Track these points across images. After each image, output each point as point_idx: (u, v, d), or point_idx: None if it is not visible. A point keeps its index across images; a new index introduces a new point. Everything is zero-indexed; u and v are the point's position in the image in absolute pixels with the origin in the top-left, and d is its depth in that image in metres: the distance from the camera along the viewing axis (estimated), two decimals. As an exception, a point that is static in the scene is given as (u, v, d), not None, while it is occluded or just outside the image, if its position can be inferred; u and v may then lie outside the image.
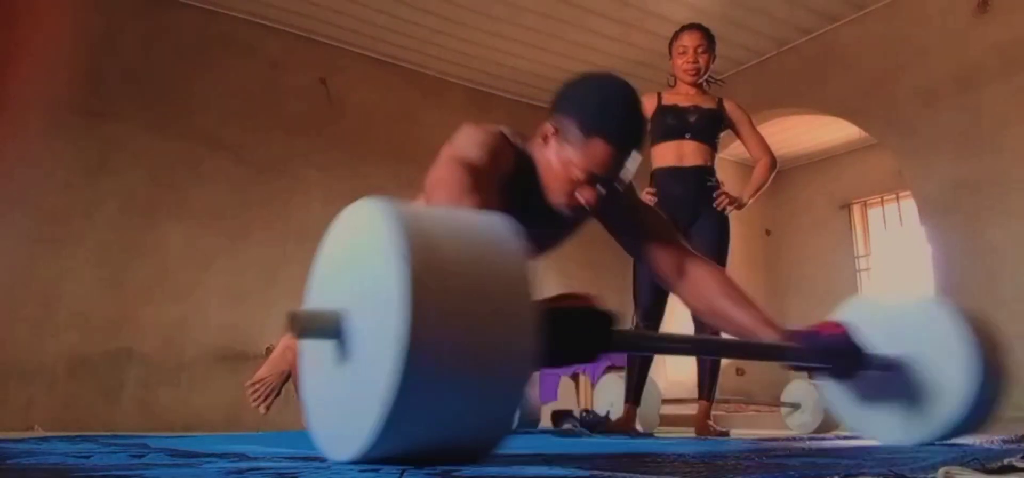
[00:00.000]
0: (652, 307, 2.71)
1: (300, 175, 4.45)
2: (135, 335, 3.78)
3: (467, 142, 1.36)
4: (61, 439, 1.87)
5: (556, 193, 1.44)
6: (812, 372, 1.36)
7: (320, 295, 0.93)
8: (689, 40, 2.82)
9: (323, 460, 0.91)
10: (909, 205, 5.45)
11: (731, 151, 5.37)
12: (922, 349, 1.33)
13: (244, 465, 0.90)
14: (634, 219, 1.61)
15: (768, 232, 6.88)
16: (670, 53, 2.90)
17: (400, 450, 0.77)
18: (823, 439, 2.24)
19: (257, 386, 2.17)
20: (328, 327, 0.84)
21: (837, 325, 1.36)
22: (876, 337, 1.33)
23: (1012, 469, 0.77)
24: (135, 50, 4.08)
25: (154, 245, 3.93)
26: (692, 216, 2.74)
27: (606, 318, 1.04)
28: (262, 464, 0.91)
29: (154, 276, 3.90)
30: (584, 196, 1.40)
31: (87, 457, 1.09)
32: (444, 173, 1.22)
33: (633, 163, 1.40)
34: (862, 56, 4.34)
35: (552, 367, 0.87)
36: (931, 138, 3.94)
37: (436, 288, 0.73)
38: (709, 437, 2.55)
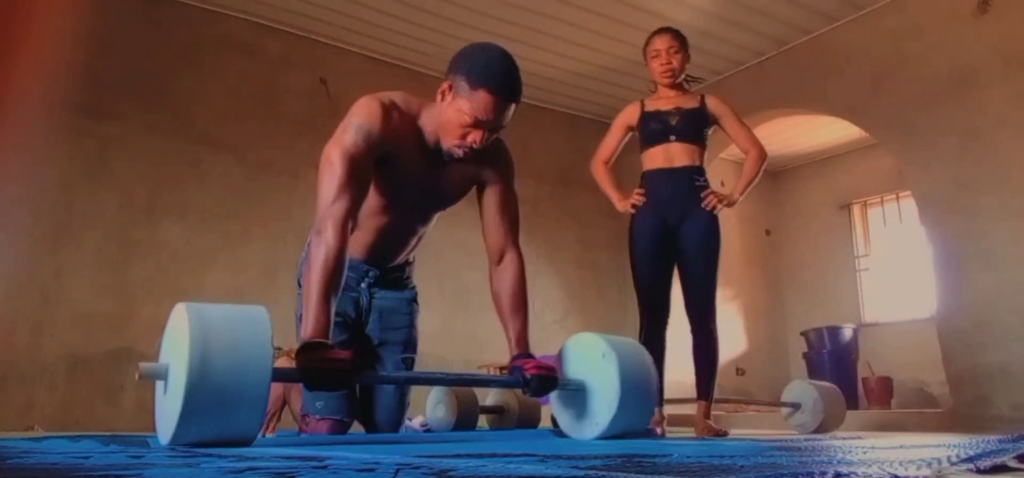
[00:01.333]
0: (651, 301, 2.72)
1: (300, 175, 4.45)
2: (135, 335, 3.79)
3: (352, 124, 1.77)
4: (61, 439, 1.88)
5: (450, 137, 1.79)
6: (524, 390, 1.77)
7: (165, 353, 1.51)
8: (660, 43, 2.84)
9: (321, 460, 0.91)
10: (909, 205, 5.45)
11: (730, 151, 5.38)
12: (595, 374, 1.83)
13: (242, 465, 0.90)
14: (493, 194, 1.95)
15: (768, 232, 6.88)
16: (645, 59, 2.93)
17: (193, 439, 1.33)
18: (821, 439, 2.25)
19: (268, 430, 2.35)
20: (161, 374, 1.45)
21: (545, 364, 1.80)
22: (577, 364, 1.89)
23: (1005, 469, 0.78)
24: (135, 50, 4.08)
25: (154, 245, 3.94)
26: (681, 216, 2.74)
27: (339, 369, 1.51)
28: (260, 464, 0.91)
29: (154, 276, 3.90)
30: (472, 138, 1.76)
31: (87, 457, 1.09)
32: (330, 158, 1.75)
33: (510, 113, 1.77)
34: (862, 56, 4.34)
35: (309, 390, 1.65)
36: (931, 138, 3.94)
37: (207, 351, 1.33)
38: (708, 437, 2.56)
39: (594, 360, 1.85)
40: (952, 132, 3.84)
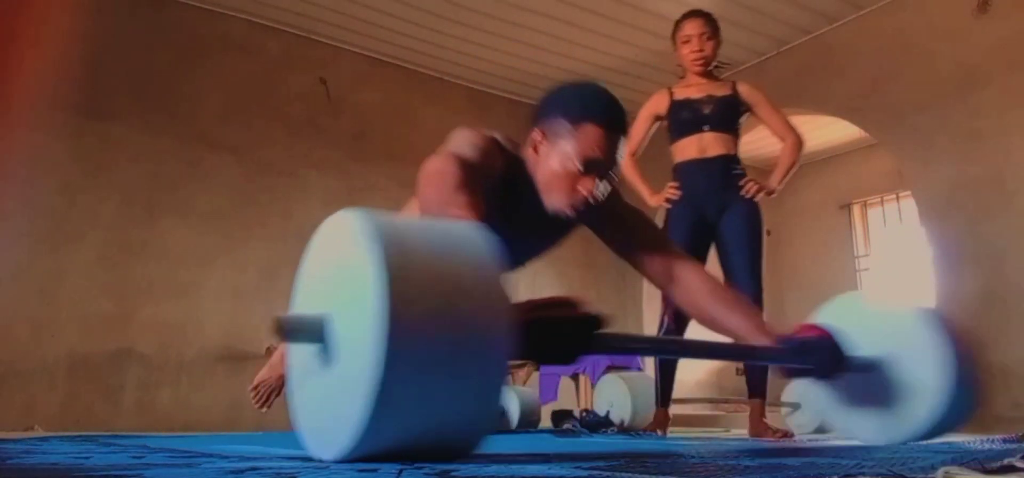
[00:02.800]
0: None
1: (300, 175, 4.45)
2: (135, 335, 3.78)
3: (461, 141, 1.40)
4: (61, 439, 1.87)
5: (556, 193, 1.45)
6: (795, 373, 1.40)
7: (305, 301, 0.98)
8: (692, 28, 2.71)
9: (322, 460, 0.91)
10: (909, 205, 5.44)
11: (744, 152, 5.38)
12: (900, 351, 1.35)
13: (243, 465, 0.89)
14: (623, 224, 1.64)
15: (768, 232, 6.87)
16: (674, 44, 2.79)
17: (383, 448, 0.80)
18: (823, 439, 2.25)
19: (258, 388, 2.23)
20: (312, 332, 0.89)
21: (820, 328, 1.40)
22: (857, 338, 1.38)
23: (1012, 469, 0.77)
24: (135, 50, 4.08)
25: (154, 245, 3.93)
26: (720, 209, 2.62)
27: (587, 323, 1.06)
28: (261, 464, 0.91)
29: (154, 276, 3.90)
30: (585, 188, 1.42)
31: (87, 457, 1.09)
32: (438, 165, 1.26)
33: (622, 148, 1.46)
34: (862, 56, 4.33)
35: (542, 365, 0.90)
36: (931, 138, 3.93)
37: (413, 294, 0.78)
38: (771, 439, 2.39)
39: (893, 331, 1.38)
40: (952, 132, 3.83)
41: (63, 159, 3.73)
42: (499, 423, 3.55)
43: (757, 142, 4.97)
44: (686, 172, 2.69)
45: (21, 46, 0.39)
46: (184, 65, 4.21)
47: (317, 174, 4.49)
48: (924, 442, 1.39)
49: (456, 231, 0.89)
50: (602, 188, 1.45)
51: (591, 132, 1.40)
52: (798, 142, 2.71)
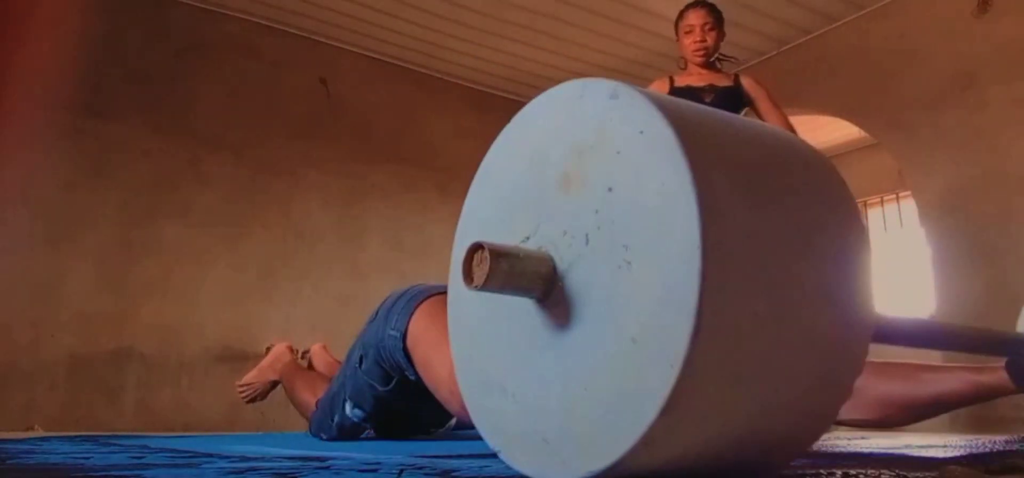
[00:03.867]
0: None
1: (300, 175, 4.45)
2: (135, 335, 3.78)
3: None
4: (61, 439, 1.87)
5: None
6: None
7: (491, 231, 0.61)
8: (694, 18, 2.68)
9: (323, 460, 0.90)
10: (909, 205, 5.44)
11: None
12: None
13: (243, 465, 0.89)
14: None
15: (768, 232, 6.88)
16: (676, 35, 2.77)
17: (675, 461, 0.49)
18: (824, 438, 2.24)
19: (244, 389, 2.24)
20: (537, 279, 0.54)
21: None
22: None
23: (1013, 469, 0.77)
24: (135, 50, 4.08)
25: (154, 245, 3.93)
26: None
27: None
28: (261, 464, 0.91)
29: (154, 276, 3.90)
30: None
31: (87, 457, 1.09)
32: None
33: None
34: (862, 56, 4.33)
35: None
36: (931, 138, 3.93)
37: (742, 225, 0.47)
38: None
39: None
40: (952, 132, 3.83)
41: (63, 159, 3.73)
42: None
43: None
44: None
45: (21, 46, 0.39)
46: (184, 65, 4.21)
47: (317, 174, 4.49)
48: (925, 444, 1.38)
49: (791, 142, 0.59)
50: None
51: None
52: None
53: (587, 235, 0.52)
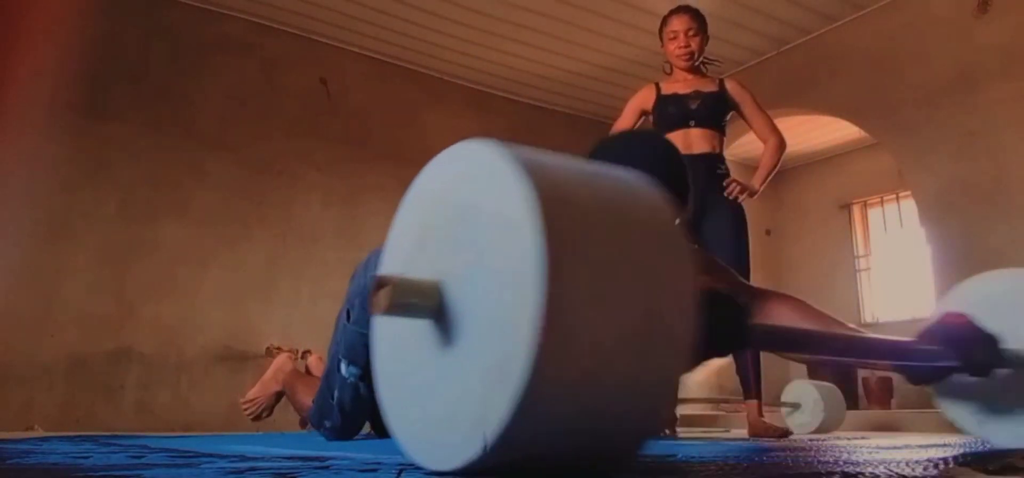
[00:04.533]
0: None
1: (300, 175, 4.44)
2: (135, 335, 3.78)
3: None
4: (61, 439, 1.87)
5: None
6: (935, 374, 1.16)
7: (403, 263, 0.74)
8: (678, 23, 2.71)
9: (322, 460, 0.90)
10: (909, 205, 5.45)
11: (731, 150, 5.38)
12: None
13: (243, 465, 0.90)
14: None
15: (768, 232, 6.88)
16: (661, 40, 2.79)
17: (527, 454, 0.61)
18: (824, 439, 2.24)
19: (248, 405, 2.24)
20: (425, 303, 0.67)
21: (959, 314, 1.21)
22: (996, 327, 1.16)
23: (1012, 469, 0.77)
24: (135, 50, 4.08)
25: (154, 245, 3.93)
26: (702, 207, 2.59)
27: (741, 312, 0.89)
28: (261, 464, 0.91)
29: (154, 276, 3.90)
30: None
31: (87, 457, 1.09)
32: None
33: (683, 214, 1.31)
34: (862, 56, 4.33)
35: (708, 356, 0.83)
36: (931, 138, 3.93)
37: (579, 256, 0.57)
38: (770, 437, 2.37)
39: None
40: (952, 132, 3.83)
41: (63, 159, 3.73)
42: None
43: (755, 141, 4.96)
44: None
45: (21, 46, 0.39)
46: (184, 65, 4.21)
47: (317, 174, 4.49)
48: (925, 444, 1.38)
49: (630, 184, 0.70)
50: None
51: None
52: (780, 144, 2.71)
53: (467, 274, 0.66)
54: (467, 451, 0.61)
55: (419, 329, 0.70)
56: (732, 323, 0.87)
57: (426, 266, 0.70)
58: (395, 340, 0.75)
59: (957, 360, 1.15)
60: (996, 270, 1.27)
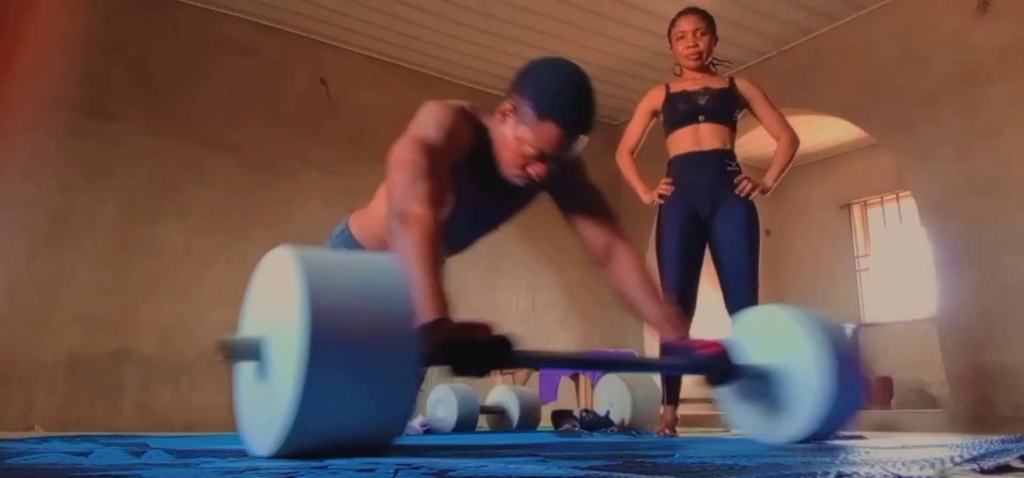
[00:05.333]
0: (678, 299, 2.55)
1: (300, 175, 4.45)
2: (135, 335, 3.78)
3: (429, 121, 1.54)
4: (61, 439, 1.87)
5: (509, 166, 1.58)
6: (705, 378, 1.53)
7: (249, 325, 1.14)
8: (686, 24, 2.71)
9: (320, 460, 0.91)
10: (909, 205, 5.45)
11: (745, 150, 5.38)
12: (789, 358, 1.47)
13: (243, 465, 0.90)
14: (580, 196, 1.77)
15: (768, 232, 6.88)
16: (670, 42, 2.80)
17: (305, 446, 0.95)
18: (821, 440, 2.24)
19: None
20: (251, 351, 1.04)
21: (717, 344, 1.52)
22: (755, 347, 1.52)
23: (1009, 469, 0.77)
24: (135, 50, 4.08)
25: (154, 245, 3.94)
26: (713, 206, 2.58)
27: (498, 344, 1.20)
28: (260, 464, 0.91)
29: (154, 276, 3.90)
30: (535, 170, 1.55)
31: (87, 456, 1.09)
32: (404, 154, 1.44)
33: (580, 144, 1.56)
34: (862, 56, 4.34)
35: (459, 374, 1.18)
36: (931, 138, 3.94)
37: (332, 321, 0.92)
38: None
39: (784, 340, 1.48)
40: (952, 132, 3.84)
41: (63, 160, 3.73)
42: (499, 423, 3.55)
43: (757, 140, 4.96)
44: (681, 166, 2.66)
45: (21, 46, 0.39)
46: (184, 65, 4.21)
47: (317, 174, 4.49)
48: (923, 444, 1.39)
49: (375, 267, 1.04)
50: (553, 172, 1.59)
51: (551, 131, 1.49)
52: (793, 141, 2.71)
53: (273, 332, 1.02)
54: (272, 445, 0.96)
55: (252, 367, 1.07)
56: (478, 356, 1.18)
57: (258, 326, 1.08)
58: (244, 370, 1.12)
59: (702, 375, 1.51)
60: (764, 305, 1.66)
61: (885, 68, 4.21)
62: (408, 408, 1.01)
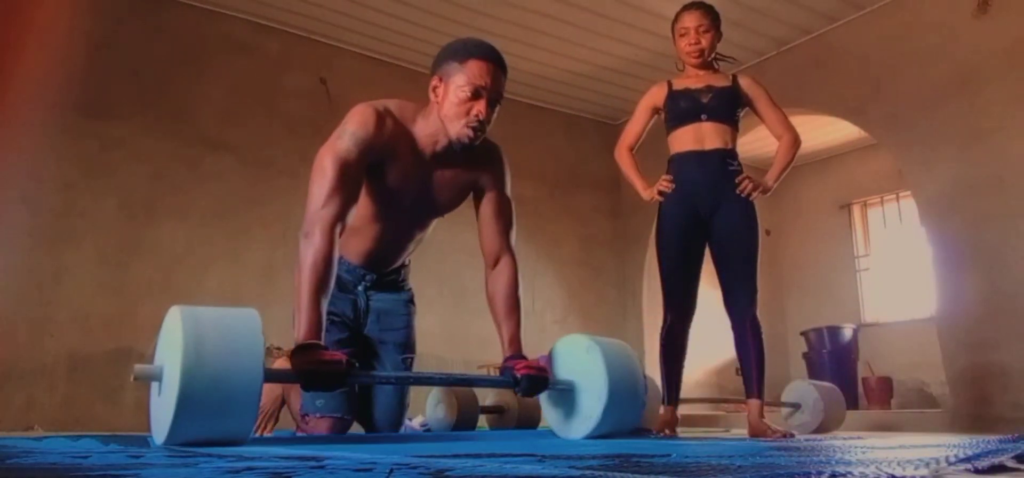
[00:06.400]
0: (678, 298, 2.59)
1: (300, 175, 4.42)
2: (135, 335, 3.78)
3: (346, 131, 1.79)
4: (61, 439, 1.88)
5: (455, 122, 1.82)
6: (516, 389, 1.83)
7: (160, 354, 1.53)
8: (689, 20, 2.66)
9: (318, 459, 0.91)
10: (909, 205, 5.45)
11: (744, 150, 5.38)
12: (583, 374, 1.89)
13: (240, 464, 0.90)
14: (493, 198, 1.99)
15: (768, 232, 6.88)
16: (673, 37, 2.75)
17: (186, 439, 1.38)
18: (821, 439, 2.25)
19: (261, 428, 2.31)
20: (156, 375, 1.48)
21: (537, 364, 1.84)
22: (567, 365, 1.95)
23: (1003, 469, 0.78)
24: (135, 50, 4.08)
25: (154, 245, 3.94)
26: (714, 203, 2.57)
27: (333, 369, 1.53)
28: (257, 464, 0.91)
29: (154, 276, 3.90)
30: (476, 110, 1.80)
31: (87, 457, 1.09)
32: (321, 164, 1.74)
33: (503, 83, 1.88)
34: (862, 56, 4.34)
35: (308, 390, 1.66)
36: (931, 138, 3.94)
37: (201, 352, 1.36)
38: (770, 438, 2.34)
39: (581, 360, 1.90)
40: (952, 132, 3.84)
41: (63, 159, 3.73)
42: (499, 423, 3.56)
43: (758, 141, 4.97)
44: (681, 164, 2.64)
45: (21, 46, 0.39)
46: (184, 65, 4.22)
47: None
48: (920, 444, 1.39)
49: (237, 320, 1.47)
50: (492, 112, 1.85)
51: (476, 65, 1.80)
52: (795, 140, 2.69)
53: (168, 362, 1.44)
54: (163, 437, 1.39)
55: (157, 385, 1.49)
56: (318, 379, 1.55)
57: (163, 356, 1.50)
58: (154, 386, 1.54)
59: (519, 386, 1.80)
60: (573, 335, 2.02)
61: (885, 68, 4.21)
62: (252, 418, 1.43)
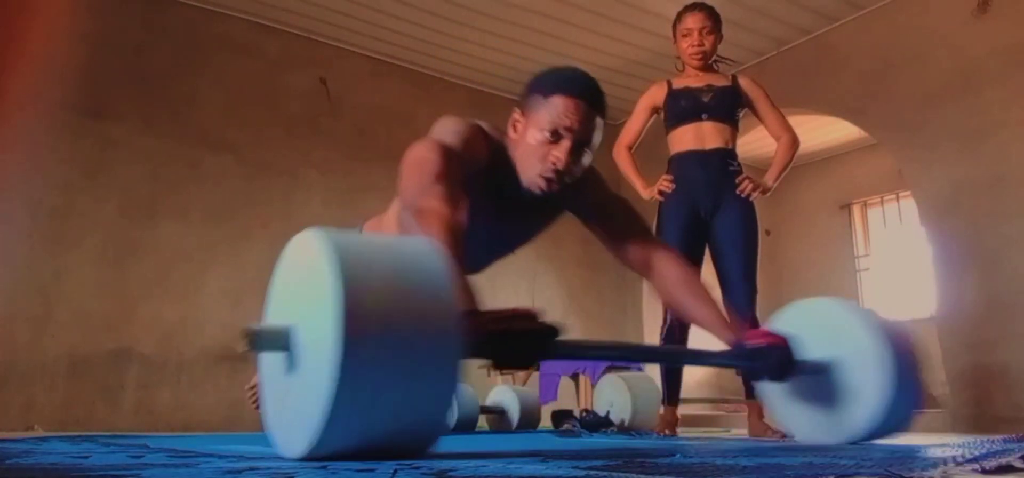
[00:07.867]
0: None
1: (300, 175, 4.45)
2: (135, 335, 3.78)
3: (445, 130, 1.44)
4: (61, 439, 1.87)
5: (530, 169, 1.49)
6: (750, 374, 1.46)
7: (274, 313, 1.05)
8: (692, 21, 2.67)
9: (319, 459, 0.91)
10: (909, 205, 5.44)
11: (744, 150, 5.38)
12: (846, 356, 1.40)
13: (242, 465, 0.90)
14: (605, 211, 1.68)
15: (768, 232, 6.89)
16: (674, 37, 2.77)
17: (341, 447, 0.86)
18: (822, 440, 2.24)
19: (255, 389, 2.25)
20: (279, 341, 0.96)
21: (774, 334, 1.46)
22: (810, 343, 1.45)
23: (1010, 469, 0.77)
24: (135, 50, 4.08)
25: (154, 245, 3.93)
26: (714, 204, 2.57)
27: (544, 333, 1.10)
28: (259, 464, 0.91)
29: (154, 276, 3.90)
30: (554, 157, 1.45)
31: (87, 457, 1.09)
32: (420, 154, 1.30)
33: (599, 132, 1.49)
34: (862, 56, 4.33)
35: (502, 368, 1.09)
36: (931, 138, 3.93)
37: (368, 308, 0.84)
38: (769, 438, 2.34)
39: (841, 335, 1.42)
40: (952, 132, 3.83)
41: (63, 159, 3.73)
42: (500, 423, 3.55)
43: (758, 141, 4.96)
44: (682, 163, 2.64)
45: (21, 46, 0.39)
46: (184, 65, 4.21)
47: (317, 174, 4.49)
48: (923, 444, 1.39)
49: (411, 248, 0.95)
50: (577, 161, 1.47)
51: (560, 102, 1.45)
52: (794, 141, 2.70)
53: (304, 324, 0.93)
54: (303, 446, 0.86)
55: (279, 358, 0.97)
56: (522, 347, 1.08)
57: (286, 315, 0.99)
58: (270, 362, 1.02)
59: (762, 369, 1.43)
60: (814, 298, 1.56)
61: (885, 68, 4.20)
62: (449, 404, 0.92)
